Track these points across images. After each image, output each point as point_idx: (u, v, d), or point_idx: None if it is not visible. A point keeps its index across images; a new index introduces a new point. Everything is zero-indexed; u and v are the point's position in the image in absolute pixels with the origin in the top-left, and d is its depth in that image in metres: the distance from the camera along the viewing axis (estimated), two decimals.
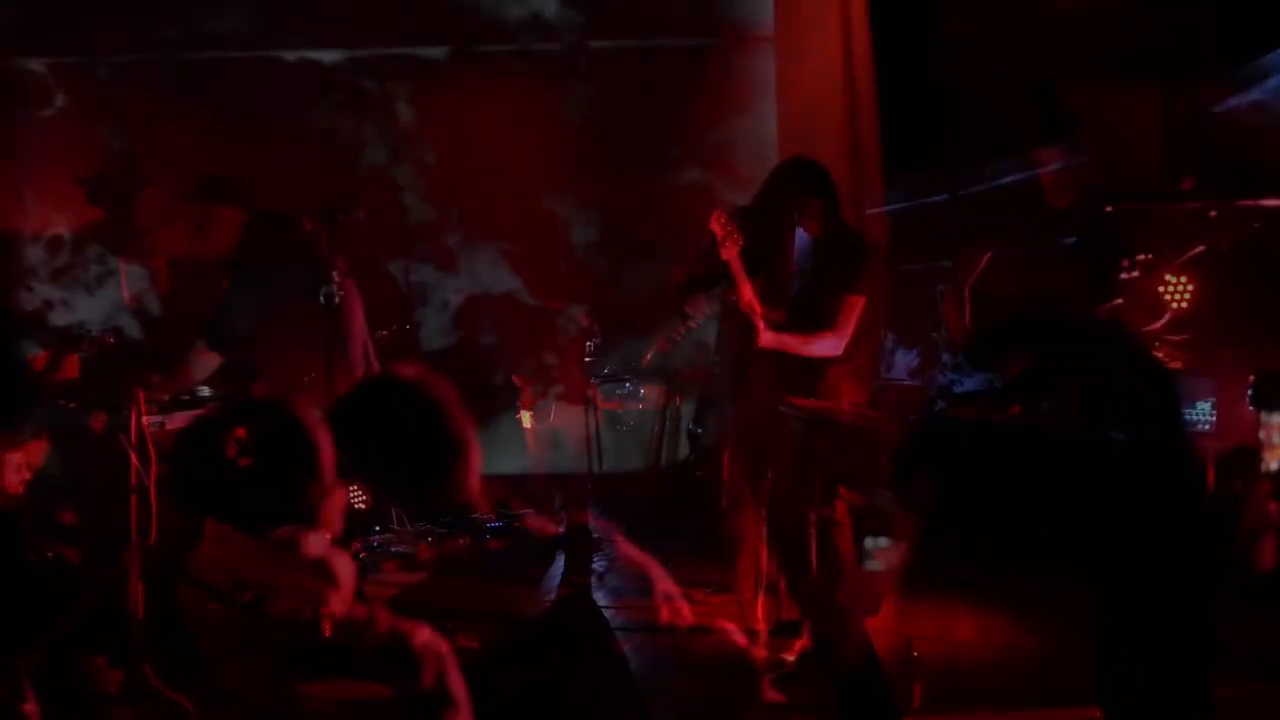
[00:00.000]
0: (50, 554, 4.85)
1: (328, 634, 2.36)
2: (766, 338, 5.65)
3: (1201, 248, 5.68)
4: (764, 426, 6.14)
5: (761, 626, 6.29)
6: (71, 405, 6.33)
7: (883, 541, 2.50)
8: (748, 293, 5.77)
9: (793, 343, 5.71)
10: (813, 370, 6.04)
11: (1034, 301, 5.82)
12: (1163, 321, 5.80)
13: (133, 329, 8.42)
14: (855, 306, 5.84)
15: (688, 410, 8.85)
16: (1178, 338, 5.79)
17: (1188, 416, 5.70)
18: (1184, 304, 5.83)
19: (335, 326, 5.98)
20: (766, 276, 5.91)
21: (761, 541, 6.31)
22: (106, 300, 8.79)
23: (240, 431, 2.48)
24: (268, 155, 7.54)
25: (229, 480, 2.52)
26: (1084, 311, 5.44)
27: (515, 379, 8.28)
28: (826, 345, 5.72)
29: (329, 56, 8.97)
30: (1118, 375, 1.71)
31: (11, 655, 3.59)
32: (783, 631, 6.11)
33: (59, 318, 8.66)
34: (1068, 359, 1.75)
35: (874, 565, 2.52)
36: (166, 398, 6.12)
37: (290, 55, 8.92)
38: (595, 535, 5.85)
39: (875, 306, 7.86)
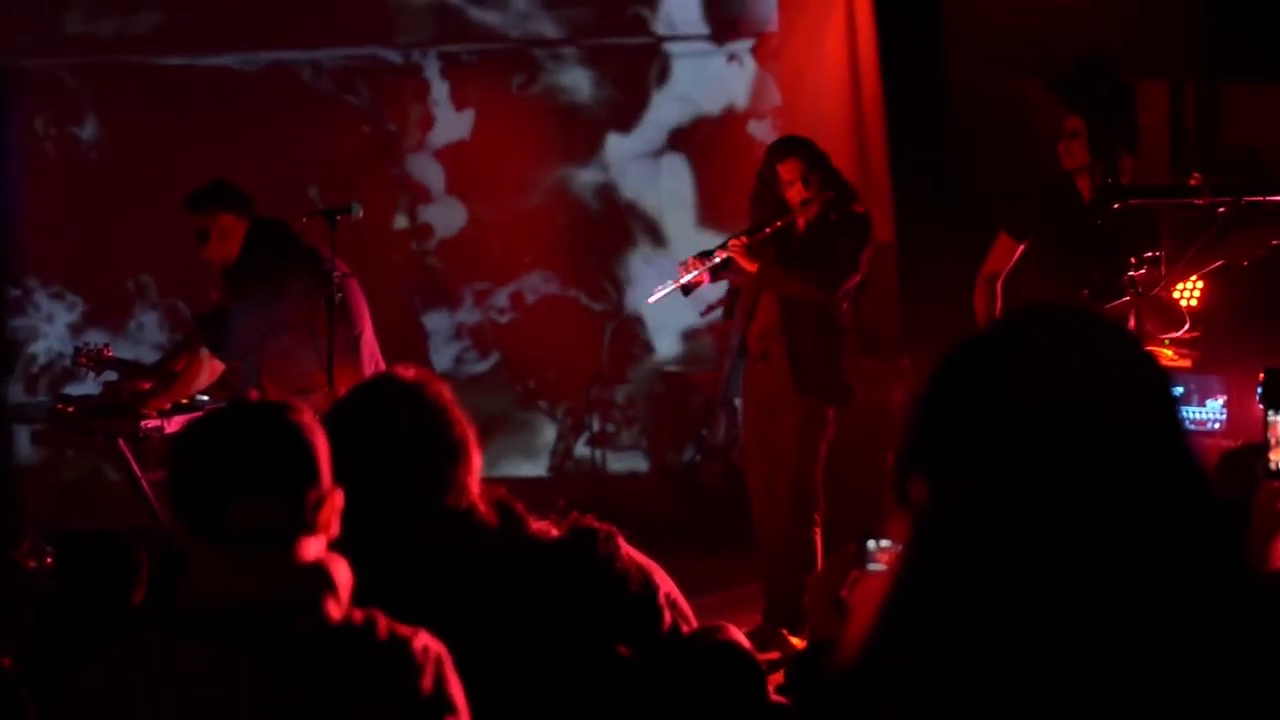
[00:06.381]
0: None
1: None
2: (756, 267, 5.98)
3: (1221, 262, 5.64)
4: (770, 416, 6.17)
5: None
6: (69, 410, 6.34)
7: (884, 543, 2.46)
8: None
9: (782, 273, 5.88)
10: (828, 354, 6.10)
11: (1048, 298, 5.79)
12: (1183, 330, 5.75)
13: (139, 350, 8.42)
14: (853, 262, 6.01)
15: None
16: (1187, 335, 5.76)
17: (1194, 415, 5.66)
18: (1193, 302, 5.80)
19: (340, 328, 5.98)
20: (776, 252, 6.08)
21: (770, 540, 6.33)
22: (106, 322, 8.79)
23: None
24: (245, 163, 7.51)
25: None
26: (1087, 309, 5.37)
27: None
28: (819, 283, 5.90)
29: (290, 57, 8.94)
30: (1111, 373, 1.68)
31: None
32: (782, 633, 6.11)
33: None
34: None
35: (875, 567, 2.47)
36: (169, 405, 6.13)
37: (251, 60, 8.90)
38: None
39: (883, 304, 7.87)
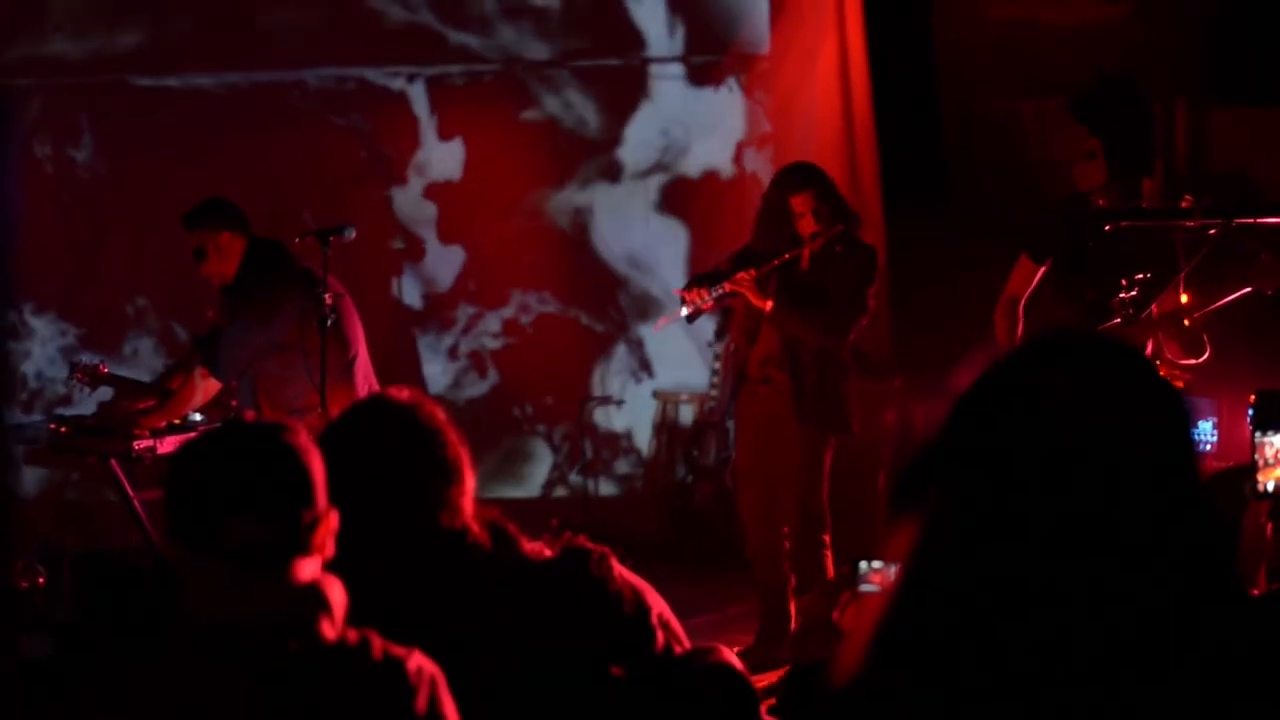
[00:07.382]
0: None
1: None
2: (770, 306, 5.90)
3: (1247, 290, 5.63)
4: (768, 440, 6.18)
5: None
6: (63, 430, 6.33)
7: (877, 564, 2.47)
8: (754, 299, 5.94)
9: (795, 317, 5.85)
10: (831, 384, 6.10)
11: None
12: (1203, 358, 5.73)
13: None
14: (861, 303, 5.97)
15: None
16: (1183, 359, 5.76)
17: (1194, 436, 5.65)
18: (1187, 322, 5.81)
19: (334, 350, 5.99)
20: (780, 283, 6.07)
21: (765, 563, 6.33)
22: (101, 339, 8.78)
23: None
24: (240, 185, 7.53)
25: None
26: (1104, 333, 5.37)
27: None
28: (828, 329, 5.86)
29: (283, 78, 8.96)
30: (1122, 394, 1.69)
31: None
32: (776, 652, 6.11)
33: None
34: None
35: (869, 588, 2.49)
36: (164, 424, 6.13)
37: (241, 80, 8.92)
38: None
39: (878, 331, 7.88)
